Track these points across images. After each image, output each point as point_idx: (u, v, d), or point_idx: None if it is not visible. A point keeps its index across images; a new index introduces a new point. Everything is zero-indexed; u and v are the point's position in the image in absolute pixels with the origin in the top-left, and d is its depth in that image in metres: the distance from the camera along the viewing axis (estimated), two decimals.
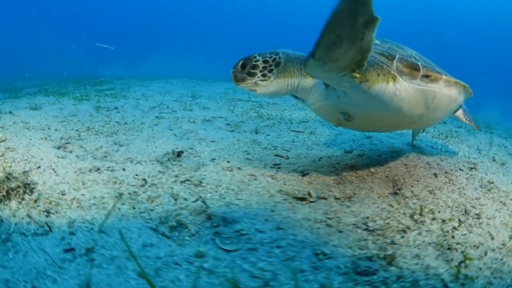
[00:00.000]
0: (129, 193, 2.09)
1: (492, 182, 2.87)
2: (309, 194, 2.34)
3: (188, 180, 2.40)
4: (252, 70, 2.46)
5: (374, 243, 1.77)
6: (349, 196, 2.41)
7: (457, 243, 1.81)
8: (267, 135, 4.07)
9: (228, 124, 4.45)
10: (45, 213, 1.75)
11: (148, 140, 3.43)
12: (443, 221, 2.07)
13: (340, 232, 1.88)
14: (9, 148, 2.63)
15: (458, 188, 2.67)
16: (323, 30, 1.66)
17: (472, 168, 3.21)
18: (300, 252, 1.65)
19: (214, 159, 2.97)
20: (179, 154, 2.93)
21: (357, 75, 2.02)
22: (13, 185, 2.03)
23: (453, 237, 1.88)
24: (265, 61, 2.47)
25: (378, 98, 2.17)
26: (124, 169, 2.50)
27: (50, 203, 1.87)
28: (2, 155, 2.49)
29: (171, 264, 1.48)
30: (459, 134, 4.85)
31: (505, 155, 4.09)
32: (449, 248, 1.76)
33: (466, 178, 2.91)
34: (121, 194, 2.05)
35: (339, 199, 2.37)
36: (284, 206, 2.18)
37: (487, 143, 4.57)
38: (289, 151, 3.50)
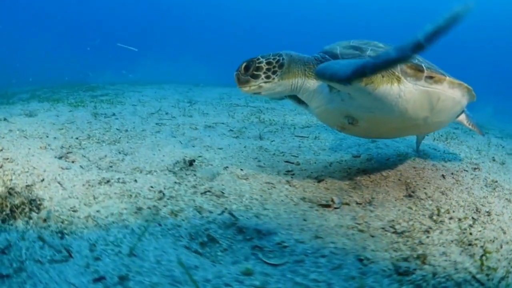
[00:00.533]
0: (149, 208, 1.88)
1: (496, 181, 2.93)
2: (332, 200, 2.28)
3: (208, 191, 2.20)
4: (255, 72, 2.38)
5: (405, 245, 1.81)
6: (369, 200, 2.38)
7: (476, 239, 1.90)
8: (272, 141, 3.90)
9: (231, 130, 4.26)
10: (59, 235, 1.52)
11: (153, 148, 3.21)
12: (459, 219, 2.14)
13: (373, 236, 1.89)
14: (8, 158, 2.38)
15: (466, 188, 2.71)
16: (370, 70, 1.75)
17: (475, 169, 3.25)
18: (345, 260, 1.64)
19: (227, 167, 2.77)
20: (191, 163, 2.72)
21: (363, 78, 1.96)
22: (17, 201, 1.80)
23: (470, 233, 1.97)
24: (268, 63, 2.39)
25: (383, 99, 2.12)
26: (136, 181, 2.28)
27: (62, 222, 1.64)
28: (1, 167, 2.23)
29: (222, 286, 1.30)
30: (458, 136, 4.83)
31: (504, 154, 4.12)
32: (469, 244, 1.85)
33: (472, 178, 2.96)
34: (140, 209, 1.83)
35: (360, 204, 2.34)
36: (313, 214, 2.11)
37: (485, 143, 4.58)
38: (298, 157, 3.36)
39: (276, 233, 1.79)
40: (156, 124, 4.29)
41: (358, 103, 2.20)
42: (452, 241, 1.85)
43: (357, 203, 2.33)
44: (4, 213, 1.69)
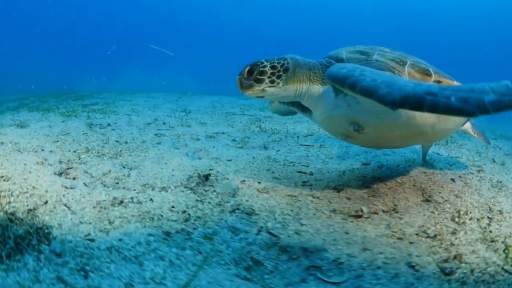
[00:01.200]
0: (178, 232, 1.62)
1: (501, 182, 2.99)
2: (361, 210, 2.21)
3: (237, 209, 1.97)
4: (259, 77, 2.25)
5: (440, 247, 1.86)
6: (393, 208, 2.35)
7: (496, 236, 1.98)
8: (278, 151, 3.69)
9: (234, 140, 4.02)
10: (82, 273, 1.23)
11: (158, 161, 2.93)
12: (478, 219, 2.20)
13: (411, 243, 1.91)
14: (3, 176, 2.05)
15: (475, 189, 2.75)
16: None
17: (479, 171, 3.27)
18: (398, 268, 1.65)
19: (244, 180, 2.54)
20: (207, 177, 2.46)
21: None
22: (21, 231, 1.50)
23: (490, 231, 2.04)
24: (273, 67, 2.26)
25: None
26: (152, 200, 2.01)
27: (81, 256, 1.35)
28: None
29: None
30: (456, 139, 4.79)
31: (502, 155, 4.17)
32: (492, 241, 1.93)
33: (478, 180, 2.99)
34: (169, 235, 1.56)
35: (387, 212, 2.30)
36: (350, 225, 2.05)
37: (482, 145, 4.56)
38: (308, 166, 3.17)
39: (326, 249, 1.70)
40: (155, 135, 3.99)
41: (365, 108, 2.06)
42: (476, 239, 1.94)
43: (383, 211, 2.29)
44: (7, 246, 1.39)
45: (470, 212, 2.29)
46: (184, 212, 1.85)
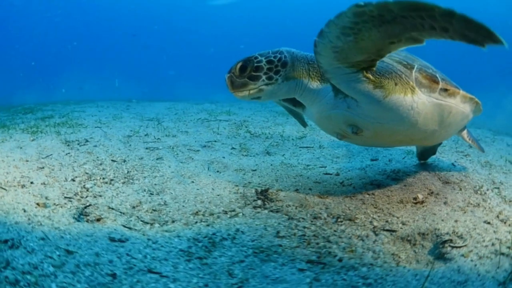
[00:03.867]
0: (319, 262, 1.10)
1: (488, 161, 3.18)
2: (417, 197, 2.12)
3: (339, 218, 1.58)
4: (254, 73, 1.80)
5: (485, 210, 2.00)
6: (430, 192, 2.29)
7: (509, 199, 2.23)
8: (283, 155, 3.31)
9: (233, 148, 3.48)
10: None
11: (183, 181, 2.31)
12: (492, 190, 2.38)
13: (472, 211, 1.99)
14: (7, 241, 1.26)
15: (473, 170, 2.90)
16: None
17: (466, 155, 3.40)
18: (482, 225, 1.79)
19: (297, 189, 2.16)
20: (265, 192, 2.02)
21: (370, 77, 1.62)
22: None
23: (505, 196, 2.27)
24: (269, 62, 1.82)
25: (394, 110, 1.74)
26: (239, 231, 1.46)
27: None
28: (8, 264, 1.13)
29: None
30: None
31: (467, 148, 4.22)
32: (510, 201, 2.18)
33: (470, 162, 3.13)
34: (313, 262, 1.05)
35: (431, 195, 2.24)
36: (425, 209, 2.01)
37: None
38: (326, 167, 2.91)
39: (437, 228, 1.71)
40: (147, 149, 3.22)
41: (365, 111, 1.79)
42: (500, 202, 2.14)
43: (429, 195, 2.25)
44: None
45: (483, 186, 2.41)
46: (294, 235, 1.38)
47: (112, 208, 1.76)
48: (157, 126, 4.39)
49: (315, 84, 1.91)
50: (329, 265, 1.33)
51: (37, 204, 1.66)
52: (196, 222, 1.66)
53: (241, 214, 1.75)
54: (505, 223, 1.81)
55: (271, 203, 1.96)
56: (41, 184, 1.97)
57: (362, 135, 1.94)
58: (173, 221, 1.70)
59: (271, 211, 1.85)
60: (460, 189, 2.33)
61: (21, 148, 2.65)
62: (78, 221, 1.56)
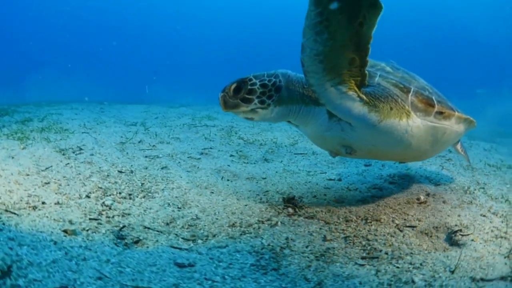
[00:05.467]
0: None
1: (469, 165, 3.37)
2: (420, 198, 2.22)
3: (370, 220, 1.55)
4: (247, 96, 1.72)
5: (478, 205, 2.19)
6: (428, 193, 2.38)
7: (495, 196, 2.38)
8: (281, 161, 3.27)
9: (231, 155, 3.34)
10: None
11: (203, 192, 2.20)
12: (478, 189, 2.52)
13: (468, 208, 2.13)
14: None
15: (458, 173, 3.03)
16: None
17: (448, 159, 3.52)
18: (478, 216, 1.97)
19: (315, 196, 2.21)
20: (292, 200, 2.00)
21: (364, 97, 1.53)
22: None
23: (491, 194, 2.42)
24: (263, 85, 1.74)
25: (388, 134, 1.67)
26: (289, 247, 1.34)
27: None
28: None
29: None
30: None
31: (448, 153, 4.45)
32: (496, 198, 2.33)
33: (453, 166, 3.27)
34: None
35: (429, 196, 2.34)
36: (430, 207, 2.13)
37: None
38: (326, 173, 2.93)
39: (447, 221, 1.81)
40: (146, 157, 2.95)
41: (359, 134, 1.71)
42: (487, 199, 2.31)
43: (427, 196, 2.34)
44: None
45: (470, 187, 2.56)
46: (338, 237, 1.41)
47: (148, 228, 1.54)
48: (147, 132, 4.05)
49: (309, 108, 1.81)
50: (380, 258, 1.46)
51: (65, 231, 1.38)
52: (241, 234, 1.56)
53: (279, 222, 1.70)
54: (496, 215, 2.00)
55: (301, 210, 1.94)
56: (55, 204, 1.66)
57: (355, 154, 1.87)
58: (213, 235, 1.55)
59: (306, 217, 1.84)
60: (451, 190, 2.48)
61: (13, 158, 2.24)
62: (127, 248, 1.32)
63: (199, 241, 1.49)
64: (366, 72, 1.44)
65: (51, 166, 2.20)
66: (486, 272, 1.35)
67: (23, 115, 4.36)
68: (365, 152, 1.84)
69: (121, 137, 3.66)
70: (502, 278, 1.31)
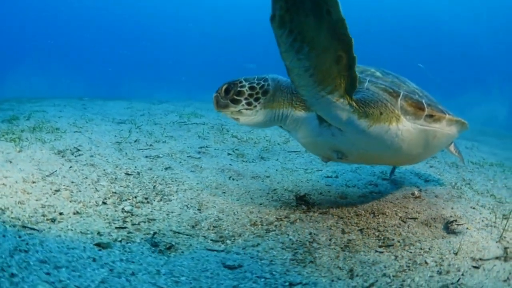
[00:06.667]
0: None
1: (453, 162, 3.48)
2: (414, 193, 2.33)
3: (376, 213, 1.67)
4: (236, 97, 1.75)
5: (466, 200, 2.33)
6: (420, 190, 2.47)
7: (480, 191, 2.57)
8: (277, 159, 3.28)
9: (229, 154, 3.29)
10: None
11: (216, 193, 2.15)
12: (464, 185, 2.67)
13: (458, 201, 2.30)
14: None
15: (444, 170, 3.16)
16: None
17: (434, 157, 3.60)
18: (464, 202, 2.23)
19: (321, 193, 2.28)
20: (303, 197, 2.04)
21: (354, 104, 1.47)
22: None
23: (477, 189, 2.64)
24: (251, 88, 1.76)
25: (379, 138, 1.64)
26: (315, 240, 1.35)
27: None
28: None
29: None
30: None
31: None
32: (481, 193, 2.54)
33: (438, 163, 3.41)
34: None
35: (421, 191, 2.43)
36: (425, 201, 2.22)
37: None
38: (322, 170, 2.99)
39: (444, 213, 1.93)
40: (147, 157, 2.82)
41: (350, 139, 1.69)
42: (474, 194, 2.50)
43: (419, 192, 2.44)
44: None
45: (457, 183, 2.73)
46: (354, 230, 1.53)
47: (178, 232, 1.48)
48: (140, 131, 3.85)
49: (299, 113, 1.78)
50: (395, 246, 1.58)
51: (98, 245, 1.26)
52: (266, 232, 1.60)
53: (298, 219, 1.75)
54: (484, 208, 2.18)
55: (314, 207, 1.99)
56: (74, 214, 1.53)
57: (347, 159, 1.86)
58: (239, 235, 1.54)
59: (320, 213, 1.90)
60: (440, 186, 2.63)
61: (11, 162, 2.02)
62: (166, 256, 1.24)
63: (228, 241, 1.47)
64: (356, 74, 1.35)
65: (56, 171, 2.02)
66: (483, 254, 1.53)
67: (7, 112, 3.94)
68: (356, 157, 1.83)
69: (115, 136, 3.45)
70: (496, 258, 1.51)
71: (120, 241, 1.34)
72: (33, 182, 1.80)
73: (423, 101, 1.73)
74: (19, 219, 1.37)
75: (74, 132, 3.31)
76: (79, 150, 2.69)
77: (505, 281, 1.32)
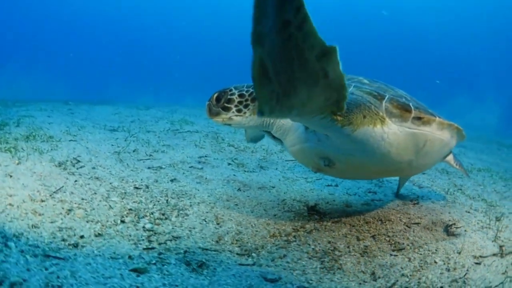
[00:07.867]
0: None
1: (444, 169, 3.55)
2: (412, 200, 2.43)
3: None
4: (226, 105, 1.78)
5: (459, 203, 2.50)
6: (417, 197, 2.56)
7: (472, 196, 2.71)
8: (276, 168, 3.27)
9: (229, 163, 3.22)
10: None
11: (229, 206, 2.08)
12: (456, 191, 2.80)
13: (452, 206, 2.41)
14: None
15: (435, 176, 3.25)
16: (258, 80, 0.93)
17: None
18: (461, 204, 2.42)
19: (328, 202, 2.30)
20: (314, 207, 2.06)
21: (339, 118, 1.36)
22: None
23: (469, 194, 2.79)
24: (241, 95, 1.77)
25: (364, 142, 1.53)
26: (336, 248, 1.36)
27: None
28: None
29: None
30: None
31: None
32: (473, 197, 2.67)
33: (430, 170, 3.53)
34: None
35: (417, 198, 2.55)
36: (424, 207, 2.23)
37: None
38: (321, 179, 3.01)
39: (444, 217, 2.05)
40: (149, 168, 2.69)
41: (335, 144, 1.59)
42: (466, 199, 2.63)
43: (419, 198, 2.54)
44: None
45: (450, 189, 2.85)
46: (367, 237, 1.63)
47: (206, 249, 1.40)
48: (136, 140, 3.65)
49: (286, 120, 1.77)
50: (406, 249, 1.67)
51: (135, 270, 1.14)
52: (287, 242, 1.62)
53: (314, 229, 1.78)
54: (478, 211, 2.34)
55: (325, 216, 2.01)
56: (95, 236, 1.39)
57: (335, 167, 1.74)
58: (262, 247, 1.53)
59: (333, 222, 1.93)
60: (434, 192, 2.73)
61: (11, 176, 1.81)
62: (204, 275, 1.17)
63: (253, 254, 1.45)
64: (343, 104, 1.17)
65: (62, 187, 1.84)
66: (482, 252, 1.69)
67: None
68: (344, 164, 1.71)
69: (112, 145, 3.25)
70: (494, 255, 1.67)
71: (155, 263, 1.24)
72: (42, 201, 1.63)
73: (410, 104, 1.63)
74: (38, 247, 1.22)
75: (70, 141, 3.07)
76: (79, 161, 2.50)
77: (503, 273, 1.50)
